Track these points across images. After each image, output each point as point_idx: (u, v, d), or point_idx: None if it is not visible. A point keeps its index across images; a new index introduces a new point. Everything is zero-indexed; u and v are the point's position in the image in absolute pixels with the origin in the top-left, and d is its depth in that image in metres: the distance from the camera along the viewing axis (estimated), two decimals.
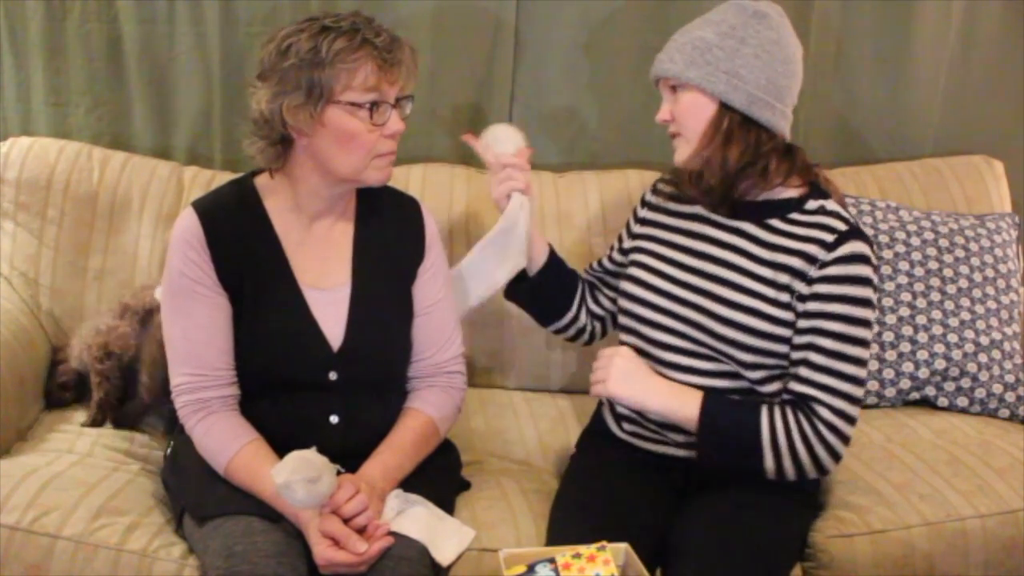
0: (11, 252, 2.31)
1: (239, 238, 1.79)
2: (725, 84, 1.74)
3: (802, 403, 1.73)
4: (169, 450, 1.91)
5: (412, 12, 2.43)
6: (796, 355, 1.76)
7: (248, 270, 1.78)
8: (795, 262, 1.75)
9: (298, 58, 1.67)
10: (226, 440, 1.75)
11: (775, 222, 1.79)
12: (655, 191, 1.99)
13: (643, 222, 1.98)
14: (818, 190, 1.81)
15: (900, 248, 2.34)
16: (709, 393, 1.78)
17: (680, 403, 1.77)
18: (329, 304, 1.81)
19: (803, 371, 1.73)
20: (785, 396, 1.76)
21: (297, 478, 1.57)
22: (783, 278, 1.75)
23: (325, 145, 1.72)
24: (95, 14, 2.41)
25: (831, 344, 1.72)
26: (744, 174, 1.76)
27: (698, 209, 1.87)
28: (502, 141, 1.97)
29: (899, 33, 2.55)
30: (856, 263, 1.72)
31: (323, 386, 1.79)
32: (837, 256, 1.72)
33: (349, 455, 1.75)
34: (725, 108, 1.75)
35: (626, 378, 1.80)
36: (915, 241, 2.35)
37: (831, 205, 1.78)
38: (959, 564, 1.86)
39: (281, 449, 1.70)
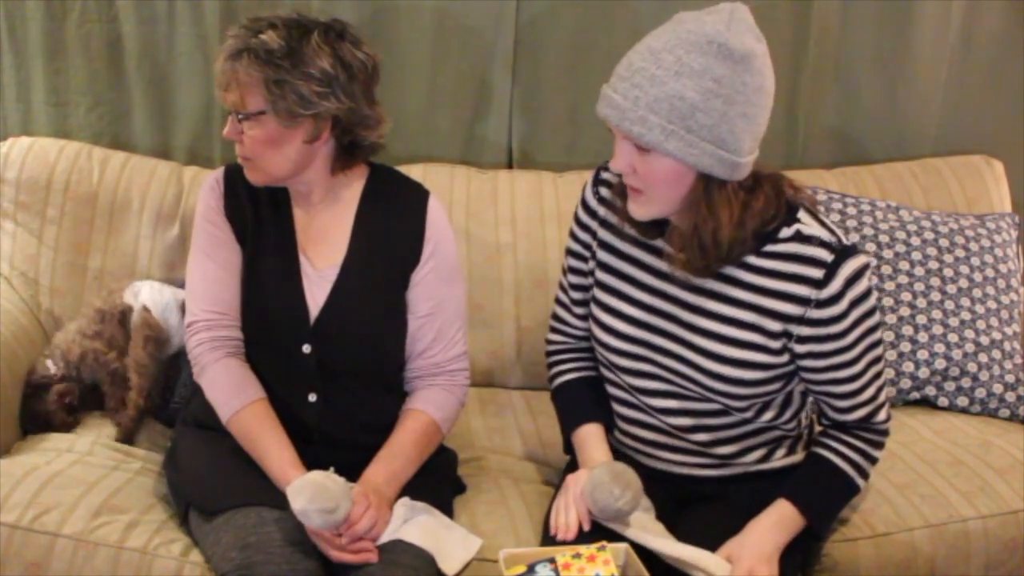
0: (11, 252, 2.31)
1: (255, 195, 1.85)
2: (711, 157, 1.51)
3: (859, 424, 1.73)
4: (168, 447, 1.92)
5: (412, 12, 2.43)
6: (821, 388, 1.70)
7: (254, 225, 1.84)
8: (785, 307, 1.62)
9: None
10: (243, 386, 1.77)
11: (751, 259, 1.64)
12: (603, 202, 1.76)
13: (602, 246, 1.78)
14: (786, 204, 1.64)
15: (900, 248, 2.34)
16: (793, 494, 1.70)
17: (788, 532, 1.69)
18: (318, 281, 1.83)
19: (841, 403, 1.70)
20: (829, 423, 1.76)
21: (314, 508, 1.57)
22: (773, 325, 1.64)
23: None
24: (95, 14, 2.41)
25: (859, 367, 1.67)
26: (738, 235, 1.59)
27: (660, 243, 1.69)
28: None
29: (899, 33, 2.55)
30: (854, 284, 1.61)
31: (298, 358, 1.80)
32: (835, 292, 1.60)
33: (333, 445, 1.78)
34: (703, 175, 1.55)
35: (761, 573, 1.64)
36: (915, 241, 2.35)
37: (807, 228, 1.62)
38: (960, 565, 1.87)
39: None
